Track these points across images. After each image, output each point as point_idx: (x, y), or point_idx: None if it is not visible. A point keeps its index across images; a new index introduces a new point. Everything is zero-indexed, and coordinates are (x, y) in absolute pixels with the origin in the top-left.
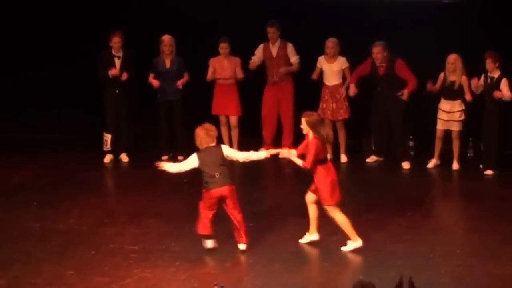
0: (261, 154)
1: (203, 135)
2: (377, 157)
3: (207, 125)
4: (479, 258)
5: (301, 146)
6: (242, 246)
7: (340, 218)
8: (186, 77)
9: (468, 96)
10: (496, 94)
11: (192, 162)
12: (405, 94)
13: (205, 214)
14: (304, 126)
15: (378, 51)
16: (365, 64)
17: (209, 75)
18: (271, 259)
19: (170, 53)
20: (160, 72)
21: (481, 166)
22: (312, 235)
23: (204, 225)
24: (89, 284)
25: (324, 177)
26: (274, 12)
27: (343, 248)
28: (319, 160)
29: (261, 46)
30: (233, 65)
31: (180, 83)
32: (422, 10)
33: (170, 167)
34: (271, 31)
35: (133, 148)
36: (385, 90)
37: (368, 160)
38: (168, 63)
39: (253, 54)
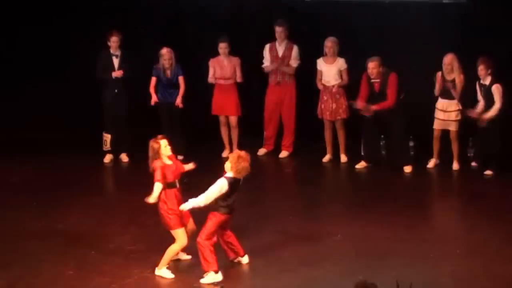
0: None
1: (248, 165)
2: (367, 163)
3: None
4: (479, 258)
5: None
6: (246, 259)
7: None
8: (182, 87)
9: (456, 96)
10: (484, 118)
11: (222, 188)
12: (371, 108)
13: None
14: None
15: (373, 66)
16: (363, 83)
17: (211, 78)
18: (270, 259)
19: (170, 65)
20: (161, 81)
21: (473, 164)
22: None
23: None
24: (89, 284)
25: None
26: (273, 12)
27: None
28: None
29: (267, 46)
30: (233, 65)
31: (179, 102)
32: (422, 10)
33: (199, 201)
34: (279, 31)
35: (133, 148)
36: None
37: (357, 166)
38: (168, 73)
39: (253, 54)
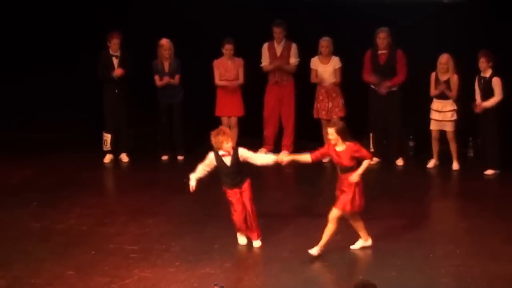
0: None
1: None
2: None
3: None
4: (479, 258)
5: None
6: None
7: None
8: (176, 80)
9: (453, 93)
10: (482, 106)
11: None
12: (386, 84)
13: None
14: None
15: (383, 36)
16: (366, 57)
17: (217, 80)
18: (271, 259)
19: (169, 56)
20: (160, 75)
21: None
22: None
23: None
24: (89, 284)
25: None
26: (273, 12)
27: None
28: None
29: (265, 46)
30: (236, 67)
31: (162, 82)
32: (422, 10)
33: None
34: (278, 31)
35: (133, 148)
36: (382, 81)
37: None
38: (167, 66)
39: (254, 54)
